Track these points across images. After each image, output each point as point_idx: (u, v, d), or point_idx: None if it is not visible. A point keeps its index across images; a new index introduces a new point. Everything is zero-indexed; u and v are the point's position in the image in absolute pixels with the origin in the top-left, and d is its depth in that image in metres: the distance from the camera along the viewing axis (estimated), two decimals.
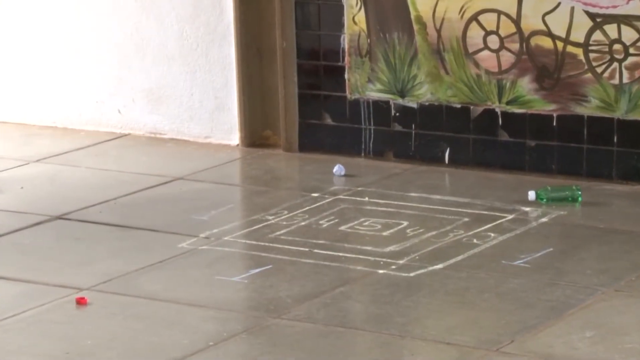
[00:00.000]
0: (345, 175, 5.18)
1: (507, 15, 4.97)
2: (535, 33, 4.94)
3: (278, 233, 4.54)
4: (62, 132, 5.88)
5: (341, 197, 4.92)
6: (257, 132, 5.70)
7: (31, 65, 6.01)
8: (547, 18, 4.92)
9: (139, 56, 5.88)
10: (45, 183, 5.28)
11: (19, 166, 5.48)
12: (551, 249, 4.18)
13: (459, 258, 4.21)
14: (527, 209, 4.56)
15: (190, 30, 5.74)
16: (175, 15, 5.72)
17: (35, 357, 3.62)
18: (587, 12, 4.77)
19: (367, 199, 4.90)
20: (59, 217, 4.82)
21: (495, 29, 5.00)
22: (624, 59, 4.74)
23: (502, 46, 5.02)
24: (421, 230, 4.50)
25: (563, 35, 4.88)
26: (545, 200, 4.58)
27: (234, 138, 5.69)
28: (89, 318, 3.91)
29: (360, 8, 5.24)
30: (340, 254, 4.31)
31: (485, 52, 5.03)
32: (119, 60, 5.89)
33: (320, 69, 5.55)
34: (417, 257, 4.19)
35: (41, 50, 6.00)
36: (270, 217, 4.69)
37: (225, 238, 4.53)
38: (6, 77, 6.02)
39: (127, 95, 5.96)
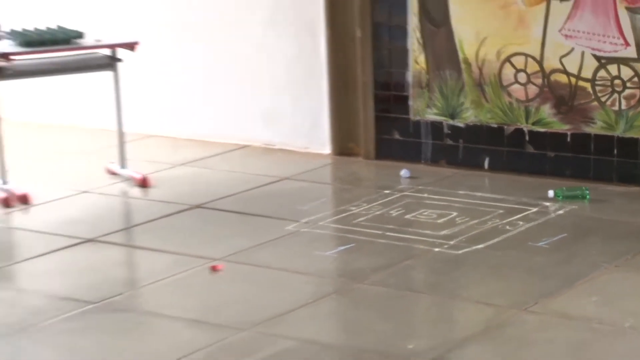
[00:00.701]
0: (409, 177, 5.18)
1: (533, 58, 4.91)
2: (554, 71, 4.87)
3: (359, 220, 4.53)
4: (200, 143, 5.91)
5: (406, 193, 4.91)
6: (344, 144, 5.70)
7: (180, 91, 6.08)
8: (563, 60, 4.87)
9: (257, 86, 5.89)
10: (188, 181, 5.32)
11: (169, 168, 5.52)
12: (565, 235, 4.17)
13: (496, 240, 4.20)
14: (548, 204, 4.53)
15: (295, 67, 5.76)
16: (283, 56, 5.74)
17: (178, 309, 3.65)
18: (594, 55, 4.74)
19: (426, 195, 4.88)
20: (198, 206, 4.85)
21: (523, 68, 4.95)
22: (622, 91, 4.68)
23: (528, 81, 4.98)
24: (467, 219, 4.49)
25: (576, 72, 4.83)
26: (561, 197, 4.55)
27: (326, 148, 5.68)
28: (219, 281, 3.96)
29: (421, 52, 5.27)
30: (406, 236, 4.31)
31: (516, 85, 5.00)
32: (243, 88, 5.91)
33: (391, 97, 5.55)
34: (463, 239, 4.20)
35: (188, 83, 6.04)
36: (353, 208, 4.71)
37: (320, 223, 4.52)
38: (159, 100, 6.09)
39: (248, 115, 5.99)
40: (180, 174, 5.50)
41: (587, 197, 4.52)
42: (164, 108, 6.12)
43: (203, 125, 6.11)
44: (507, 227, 4.40)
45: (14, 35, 5.06)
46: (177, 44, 6.09)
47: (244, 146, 5.99)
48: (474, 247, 4.15)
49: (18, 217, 4.92)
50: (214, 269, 3.98)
